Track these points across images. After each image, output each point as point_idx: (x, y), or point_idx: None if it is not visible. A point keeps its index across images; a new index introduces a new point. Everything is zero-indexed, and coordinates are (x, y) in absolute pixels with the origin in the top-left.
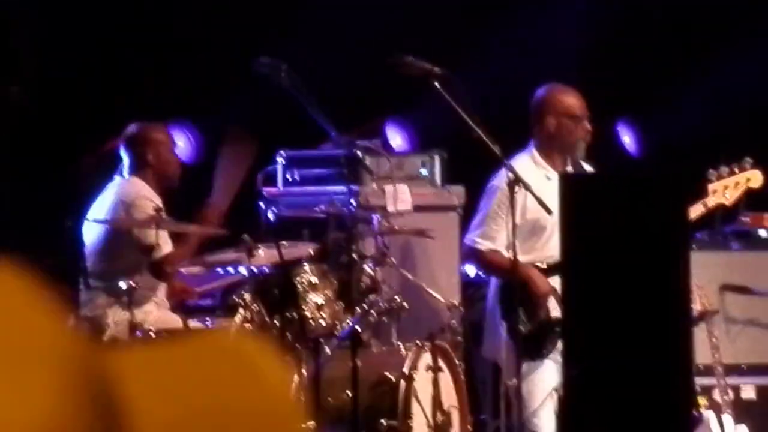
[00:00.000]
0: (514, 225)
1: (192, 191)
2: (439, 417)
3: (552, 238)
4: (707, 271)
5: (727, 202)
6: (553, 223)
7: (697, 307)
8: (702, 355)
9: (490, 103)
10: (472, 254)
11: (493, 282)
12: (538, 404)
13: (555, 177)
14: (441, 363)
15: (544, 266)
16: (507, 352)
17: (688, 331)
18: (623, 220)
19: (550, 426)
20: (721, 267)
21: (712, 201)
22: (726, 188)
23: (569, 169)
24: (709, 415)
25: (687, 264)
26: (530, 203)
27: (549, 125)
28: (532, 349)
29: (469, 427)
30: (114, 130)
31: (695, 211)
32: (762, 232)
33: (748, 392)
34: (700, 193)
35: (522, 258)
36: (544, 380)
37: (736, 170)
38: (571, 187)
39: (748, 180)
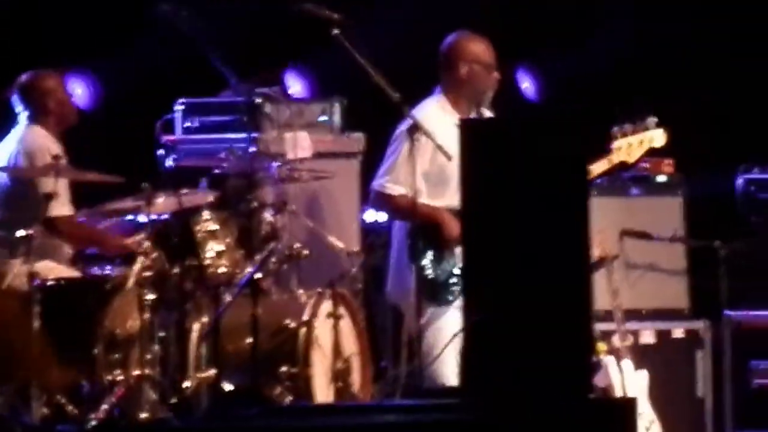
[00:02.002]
0: (414, 169)
1: (91, 138)
2: (340, 364)
3: None
4: (607, 217)
5: (630, 160)
6: None
7: (596, 252)
8: (602, 300)
9: (390, 50)
10: (381, 199)
11: (399, 227)
12: (441, 350)
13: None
14: (341, 310)
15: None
16: (412, 296)
17: (588, 277)
18: (522, 165)
19: (453, 372)
20: (620, 212)
21: (615, 157)
22: (630, 146)
23: (473, 116)
24: (608, 360)
25: (586, 209)
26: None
27: (460, 72)
28: (438, 294)
29: (369, 373)
30: (10, 80)
31: (599, 166)
32: (661, 178)
33: (648, 337)
34: (601, 141)
35: (432, 203)
36: (448, 326)
37: (640, 129)
38: (470, 132)
39: (652, 139)
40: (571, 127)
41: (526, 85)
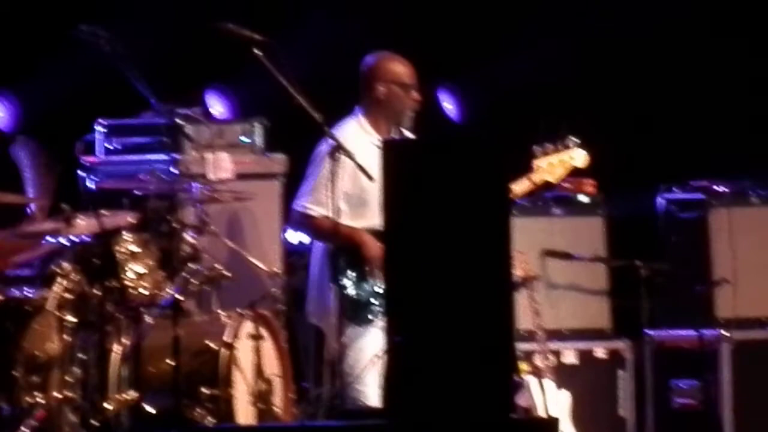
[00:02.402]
0: (334, 190)
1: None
2: (261, 385)
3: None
4: (528, 237)
5: (552, 179)
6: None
7: (518, 272)
8: (523, 320)
9: (311, 70)
10: (302, 220)
11: (319, 247)
12: (362, 370)
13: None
14: (263, 331)
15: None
16: (333, 317)
17: (510, 297)
18: (444, 186)
19: (374, 392)
20: (542, 232)
21: (537, 177)
22: (552, 165)
23: (394, 133)
24: (530, 380)
25: (508, 230)
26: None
27: (379, 92)
28: (359, 314)
29: (291, 394)
30: None
31: (521, 186)
32: (582, 198)
33: (570, 357)
34: (523, 162)
35: (353, 224)
36: (369, 346)
37: (562, 148)
38: (392, 153)
39: (573, 159)
40: (492, 148)
41: (448, 105)
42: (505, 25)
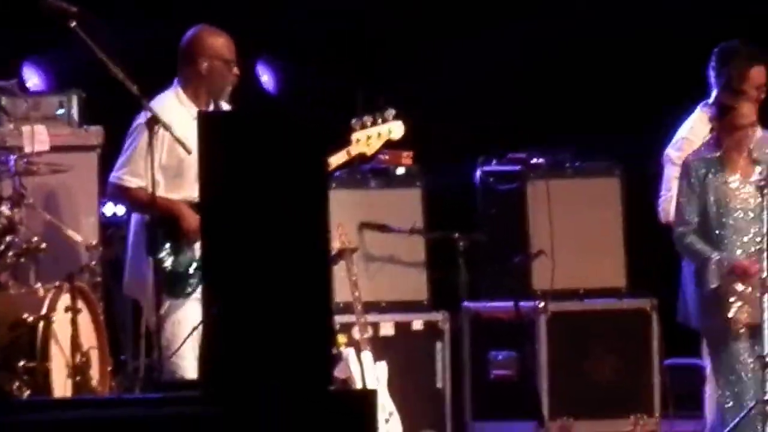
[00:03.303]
0: (152, 162)
1: None
2: (78, 358)
3: None
4: (346, 210)
5: (368, 152)
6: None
7: (336, 245)
8: (341, 292)
9: (130, 42)
10: (119, 192)
11: (137, 220)
12: (180, 343)
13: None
14: (80, 303)
15: (196, 202)
16: (150, 290)
17: (327, 270)
18: (262, 158)
19: (192, 365)
20: (359, 205)
21: (354, 150)
22: (369, 138)
23: (212, 107)
24: (348, 352)
25: (325, 202)
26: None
27: (200, 66)
28: (176, 286)
29: (108, 367)
30: None
31: (338, 159)
32: (400, 170)
33: (387, 329)
34: (341, 135)
35: (170, 196)
36: (187, 319)
37: (379, 120)
38: (209, 125)
39: (390, 131)
40: (309, 121)
41: (266, 78)
42: None
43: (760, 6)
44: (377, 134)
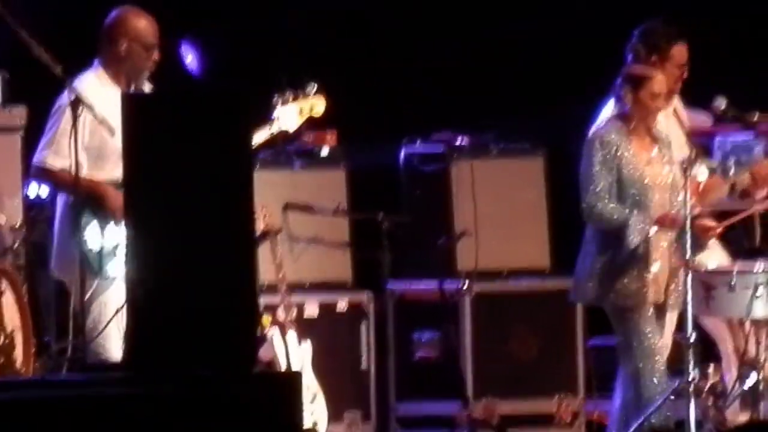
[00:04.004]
0: (76, 143)
1: None
2: (2, 339)
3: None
4: (270, 191)
5: (291, 129)
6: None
7: (260, 226)
8: (266, 273)
9: (53, 21)
10: (42, 174)
11: (62, 201)
12: (105, 324)
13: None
14: (3, 285)
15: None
16: (76, 271)
17: (252, 250)
18: (186, 139)
19: (117, 346)
20: (284, 186)
21: (276, 127)
22: (291, 114)
23: (132, 89)
24: (273, 333)
25: (250, 183)
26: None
27: (121, 48)
28: (102, 267)
29: (32, 349)
30: None
31: (260, 136)
32: (324, 151)
33: (312, 310)
34: (266, 114)
35: (94, 177)
36: (113, 300)
37: (300, 96)
38: (133, 106)
39: (312, 107)
40: (234, 102)
41: (190, 59)
42: None
43: None
44: (299, 110)
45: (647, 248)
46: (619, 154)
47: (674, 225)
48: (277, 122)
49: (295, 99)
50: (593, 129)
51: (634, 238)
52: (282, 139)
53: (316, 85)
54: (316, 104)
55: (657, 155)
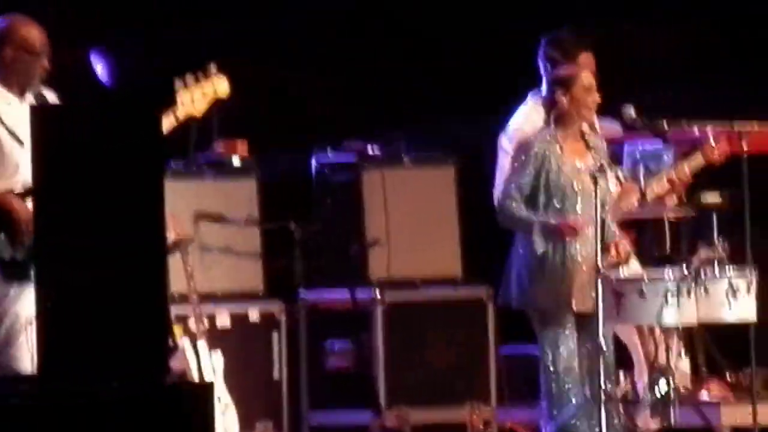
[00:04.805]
0: None
1: None
2: None
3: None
4: (181, 200)
5: (196, 113)
6: (20, 150)
7: (171, 236)
8: (177, 284)
9: None
10: None
11: None
12: (16, 336)
13: (15, 103)
14: None
15: (20, 191)
16: None
17: (163, 261)
18: (96, 149)
19: (28, 358)
20: (195, 196)
21: (181, 112)
22: (194, 99)
23: (29, 97)
24: (185, 343)
25: (161, 193)
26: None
27: (6, 56)
28: (12, 278)
29: None
30: None
31: (166, 123)
32: (235, 160)
33: (223, 320)
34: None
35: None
36: (24, 311)
37: (202, 78)
38: (41, 117)
39: (215, 89)
40: (145, 111)
41: (100, 69)
42: None
43: None
44: (202, 93)
45: (570, 255)
46: (545, 159)
47: (573, 233)
48: (181, 108)
49: (197, 82)
50: (516, 132)
51: (539, 243)
52: (189, 122)
53: (215, 66)
54: (218, 85)
55: (588, 162)
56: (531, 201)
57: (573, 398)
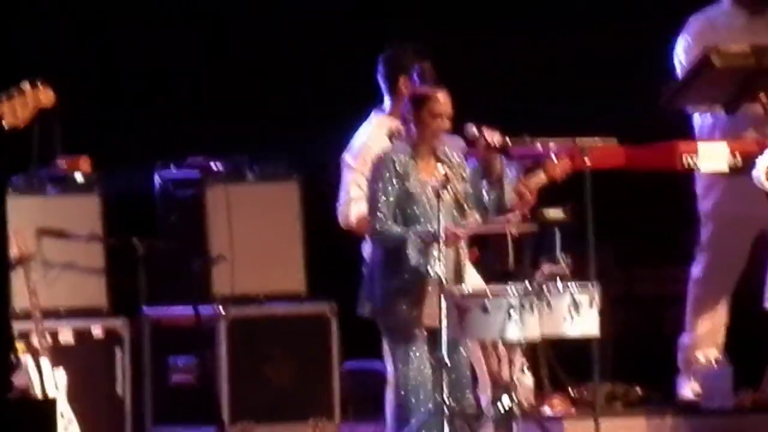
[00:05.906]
0: None
1: None
2: None
3: None
4: (23, 216)
5: (20, 124)
6: None
7: (13, 252)
8: (19, 299)
9: None
10: None
11: None
12: None
13: None
14: None
15: None
16: None
17: (5, 276)
18: None
19: None
20: (37, 212)
21: (6, 123)
22: (15, 110)
23: None
24: (27, 359)
25: (3, 209)
26: None
27: None
28: None
29: None
30: None
31: None
32: (78, 176)
33: (67, 336)
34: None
35: None
36: None
37: (24, 89)
38: None
39: (38, 99)
40: None
41: None
42: None
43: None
44: (24, 104)
45: (424, 270)
46: (403, 174)
47: (456, 240)
48: (5, 120)
49: (20, 93)
50: (361, 149)
51: (413, 256)
52: (12, 132)
53: (36, 78)
54: (42, 95)
55: (440, 176)
56: (397, 216)
57: (419, 413)
